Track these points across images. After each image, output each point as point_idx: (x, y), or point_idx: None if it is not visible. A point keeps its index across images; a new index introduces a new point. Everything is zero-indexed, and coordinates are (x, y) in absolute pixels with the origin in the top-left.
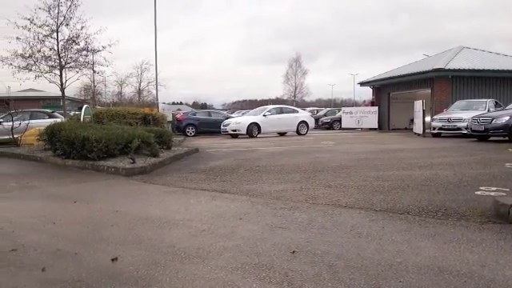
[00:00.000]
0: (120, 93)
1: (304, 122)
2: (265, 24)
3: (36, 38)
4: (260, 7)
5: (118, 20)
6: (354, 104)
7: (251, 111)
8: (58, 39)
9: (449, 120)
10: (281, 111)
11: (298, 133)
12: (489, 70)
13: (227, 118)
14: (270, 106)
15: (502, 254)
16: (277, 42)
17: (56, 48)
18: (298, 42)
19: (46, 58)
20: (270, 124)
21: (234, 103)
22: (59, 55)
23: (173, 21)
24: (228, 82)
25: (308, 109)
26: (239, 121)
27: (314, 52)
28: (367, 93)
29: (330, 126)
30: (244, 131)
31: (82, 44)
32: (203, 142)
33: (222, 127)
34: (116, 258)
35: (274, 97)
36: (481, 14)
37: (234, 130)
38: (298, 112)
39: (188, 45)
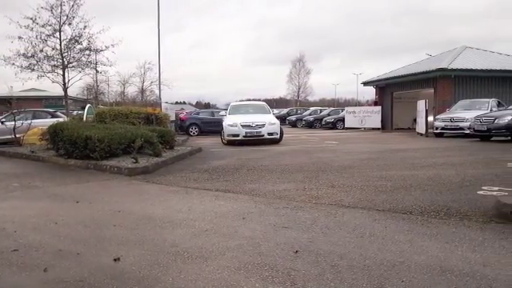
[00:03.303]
0: (123, 92)
1: None
2: (274, 26)
3: (38, 37)
4: (270, 10)
5: (132, 21)
6: (358, 104)
7: (233, 108)
8: (60, 39)
9: (451, 120)
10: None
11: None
12: (491, 70)
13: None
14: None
15: (504, 253)
16: (285, 44)
17: (58, 47)
18: (306, 43)
19: (49, 58)
20: None
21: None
22: (62, 55)
23: (186, 23)
24: (234, 83)
25: (312, 108)
26: (274, 121)
27: (320, 53)
28: (371, 93)
29: (333, 125)
30: (278, 135)
31: (85, 44)
32: (206, 142)
33: (228, 127)
34: (118, 258)
35: (277, 96)
36: (484, 16)
37: (271, 134)
38: None
39: (198, 46)
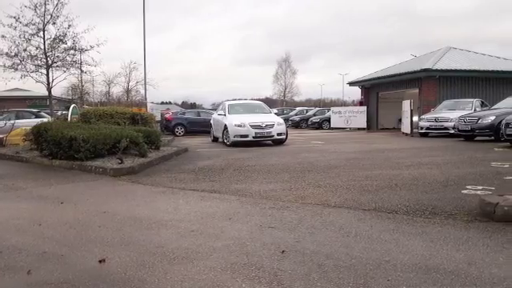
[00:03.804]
0: (108, 92)
1: None
2: (261, 26)
3: (22, 36)
4: (258, 10)
5: (119, 21)
6: (343, 104)
7: (231, 107)
8: (44, 38)
9: (436, 120)
10: None
11: None
12: (475, 71)
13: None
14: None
15: (488, 251)
16: (272, 44)
17: (42, 47)
18: (292, 43)
19: (32, 57)
20: None
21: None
22: (46, 54)
23: (173, 23)
24: (221, 83)
25: (298, 108)
26: (281, 121)
27: (307, 53)
28: (356, 93)
29: (319, 125)
30: (285, 135)
31: (70, 43)
32: (192, 142)
33: (234, 127)
34: (104, 260)
35: (263, 96)
36: (468, 18)
37: (280, 134)
38: None
39: (186, 46)
